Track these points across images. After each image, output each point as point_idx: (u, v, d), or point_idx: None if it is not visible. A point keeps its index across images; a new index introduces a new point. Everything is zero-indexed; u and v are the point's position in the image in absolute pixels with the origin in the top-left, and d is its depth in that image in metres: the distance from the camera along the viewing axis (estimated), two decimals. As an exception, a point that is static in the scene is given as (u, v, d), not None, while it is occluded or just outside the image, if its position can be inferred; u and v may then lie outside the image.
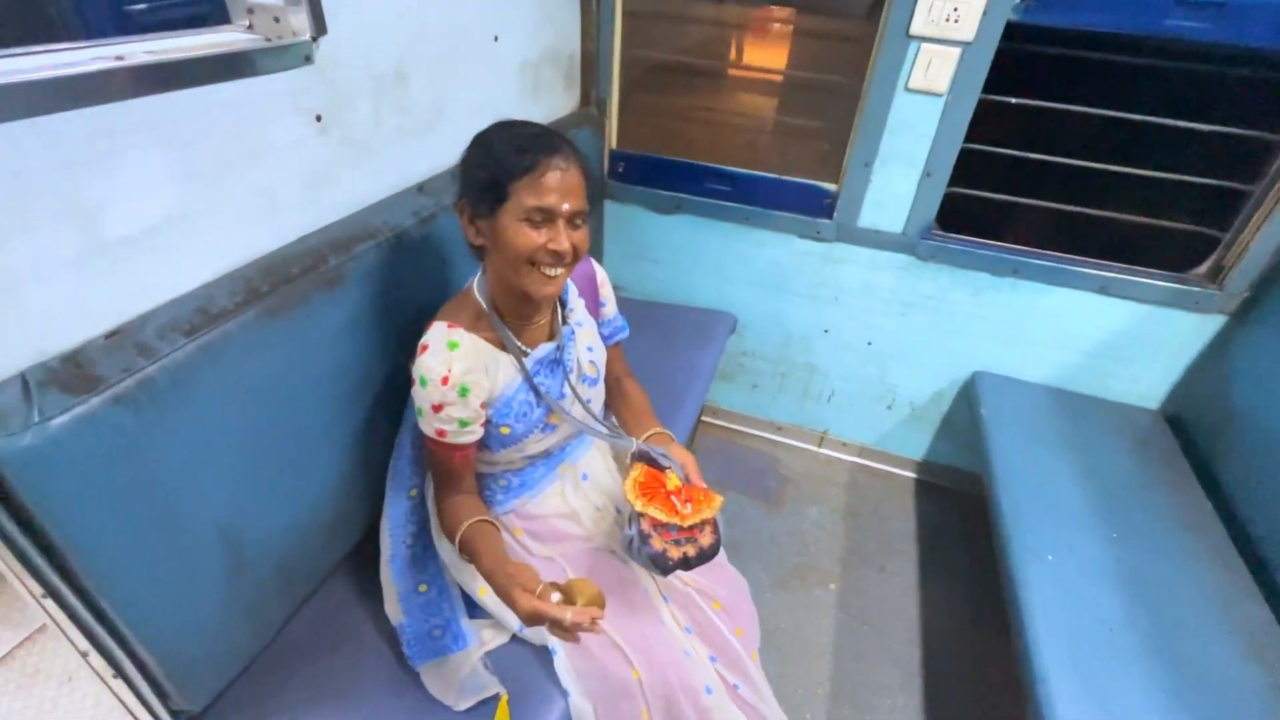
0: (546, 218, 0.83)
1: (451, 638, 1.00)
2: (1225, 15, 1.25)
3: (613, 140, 1.82)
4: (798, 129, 1.76)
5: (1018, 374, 1.74)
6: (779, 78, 1.74)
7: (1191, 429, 1.56)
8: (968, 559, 1.78)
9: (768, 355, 1.99)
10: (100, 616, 0.71)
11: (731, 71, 1.77)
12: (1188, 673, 1.06)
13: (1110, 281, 1.55)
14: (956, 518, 1.91)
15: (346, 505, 1.03)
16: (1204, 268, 1.53)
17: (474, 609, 1.04)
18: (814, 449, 2.11)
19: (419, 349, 0.88)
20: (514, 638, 1.02)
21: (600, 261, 1.95)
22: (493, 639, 1.02)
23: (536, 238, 0.83)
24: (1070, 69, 1.45)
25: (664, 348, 1.73)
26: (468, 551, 0.90)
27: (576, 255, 0.87)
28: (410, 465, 1.06)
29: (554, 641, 0.96)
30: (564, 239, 0.84)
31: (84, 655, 0.75)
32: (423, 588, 1.04)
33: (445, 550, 1.03)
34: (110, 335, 0.69)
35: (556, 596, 0.77)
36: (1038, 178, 1.54)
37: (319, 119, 0.90)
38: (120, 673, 0.76)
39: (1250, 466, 1.35)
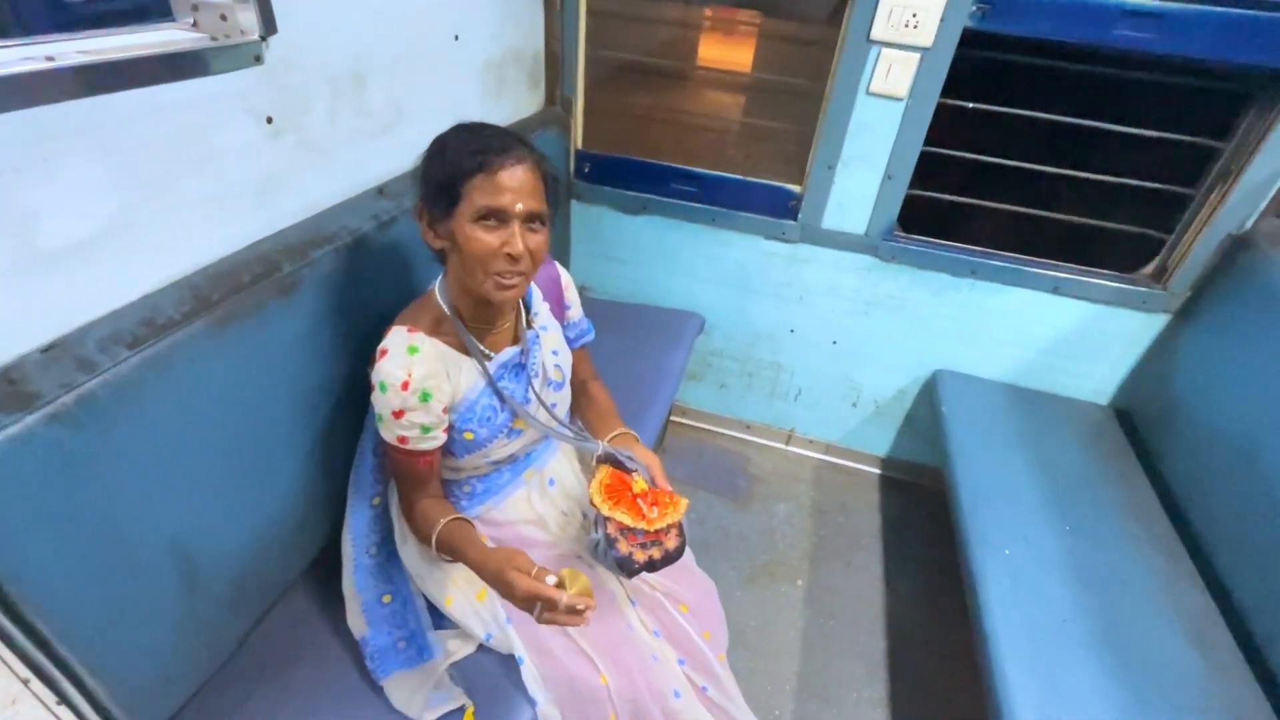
0: (500, 219, 0.82)
1: (417, 649, 0.99)
2: (1168, 27, 1.30)
3: (578, 140, 1.81)
4: (763, 131, 1.78)
5: (976, 371, 1.79)
6: (744, 80, 1.76)
7: (1139, 422, 1.62)
8: (930, 551, 1.83)
9: (735, 355, 2.00)
10: (41, 642, 0.68)
11: (697, 73, 1.77)
12: (1134, 660, 1.10)
13: (1062, 282, 1.60)
14: (919, 512, 1.95)
15: (307, 516, 1.01)
16: (1150, 268, 1.59)
17: (440, 619, 1.03)
18: (782, 447, 2.13)
19: (378, 354, 0.86)
20: (481, 647, 1.02)
21: (567, 262, 1.95)
22: (459, 649, 1.00)
23: (491, 240, 0.82)
24: (1025, 76, 1.49)
25: (632, 348, 1.72)
26: (448, 550, 0.90)
27: (534, 260, 0.86)
28: (372, 473, 1.04)
29: (521, 649, 0.96)
30: (518, 241, 0.82)
31: (25, 682, 0.72)
32: (387, 598, 1.03)
33: (410, 559, 1.01)
34: (47, 349, 0.65)
35: (552, 579, 0.78)
36: (995, 181, 1.58)
37: (270, 121, 0.87)
38: (64, 699, 0.73)
39: (1191, 458, 1.42)
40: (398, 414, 0.86)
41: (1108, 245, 1.67)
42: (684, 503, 0.98)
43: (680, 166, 1.75)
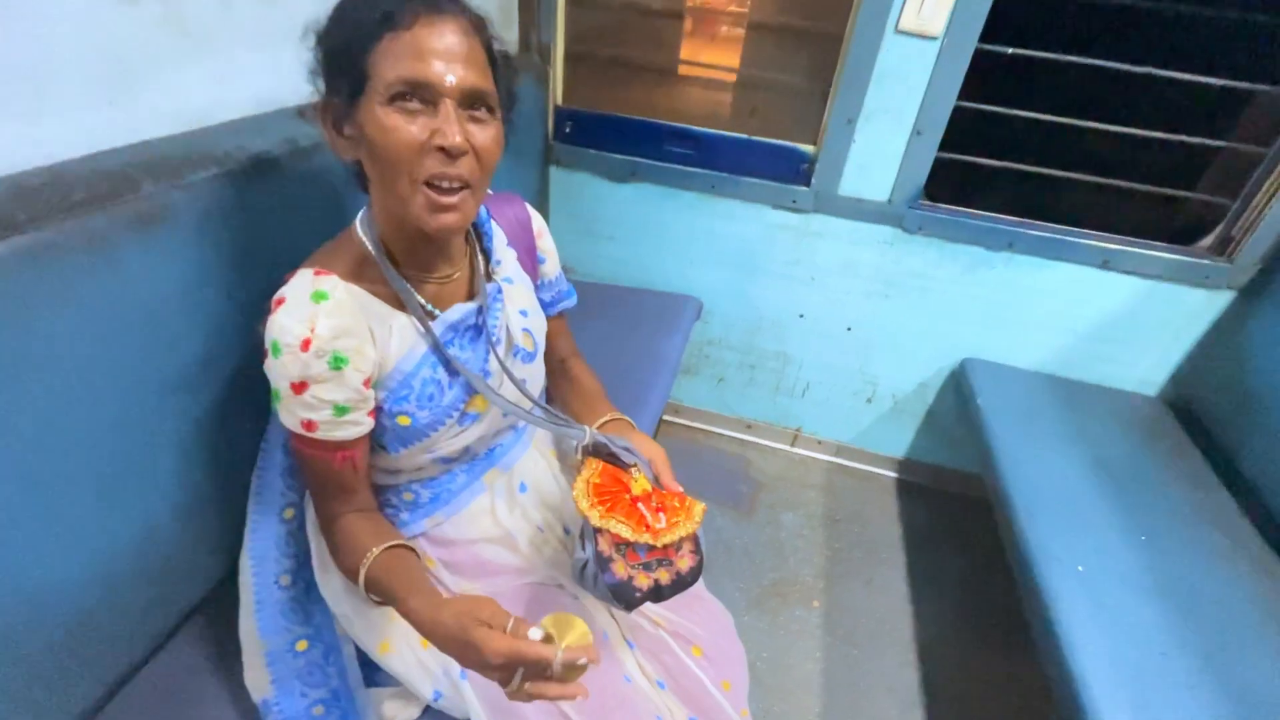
0: (425, 99, 0.57)
1: (340, 715, 0.73)
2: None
3: (558, 95, 1.57)
4: (772, 82, 1.55)
5: (1008, 360, 1.59)
6: (750, 21, 1.53)
7: (1201, 415, 1.43)
8: (960, 565, 1.61)
9: (735, 344, 1.77)
10: None
11: (696, 16, 1.54)
12: (1252, 701, 0.88)
13: (1113, 254, 1.40)
14: (944, 521, 1.73)
15: (187, 539, 0.74)
16: (1210, 240, 1.40)
17: (373, 673, 0.77)
18: (786, 448, 1.90)
19: (273, 304, 0.61)
20: (427, 709, 0.76)
21: (545, 236, 1.70)
22: (397, 714, 0.75)
23: (413, 130, 0.57)
24: (1069, 23, 1.30)
25: (621, 336, 1.48)
26: (380, 593, 0.64)
27: (481, 164, 0.61)
28: (283, 477, 0.78)
29: (480, 712, 0.69)
30: (454, 129, 0.57)
31: None
32: (302, 645, 0.76)
33: (333, 592, 0.75)
34: None
35: (536, 634, 0.54)
36: (1025, 151, 1.38)
37: (120, -23, 0.61)
38: None
39: (1274, 454, 1.22)
40: (298, 387, 0.60)
41: (1156, 215, 1.48)
42: (700, 508, 0.74)
43: (674, 125, 1.52)
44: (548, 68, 1.51)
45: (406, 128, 0.57)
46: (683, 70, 1.58)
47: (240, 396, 0.76)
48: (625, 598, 0.66)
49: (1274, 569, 1.10)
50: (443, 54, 0.56)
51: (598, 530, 0.67)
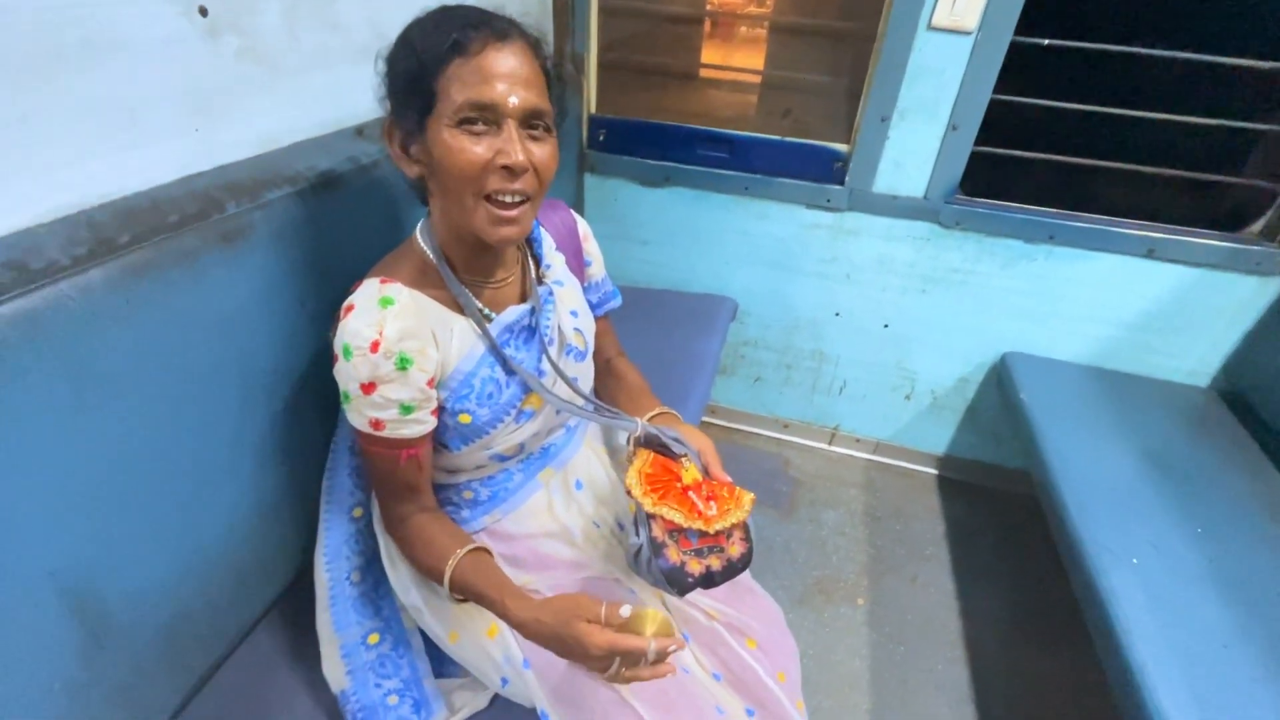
0: (489, 120, 0.61)
1: (412, 705, 0.77)
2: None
3: (592, 104, 1.60)
4: (802, 83, 1.56)
5: (1050, 353, 1.56)
6: (780, 23, 1.55)
7: (1255, 405, 1.39)
8: (1007, 562, 1.59)
9: (772, 344, 1.78)
10: None
11: (727, 21, 1.56)
12: (1322, 696, 0.87)
13: (1158, 243, 1.37)
14: (988, 517, 1.71)
15: (266, 539, 0.79)
16: (1259, 225, 1.37)
17: (441, 664, 0.81)
18: (825, 447, 1.90)
19: (342, 311, 0.65)
20: (495, 699, 0.79)
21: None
22: (467, 704, 0.78)
23: (479, 150, 0.61)
24: (1107, 10, 1.29)
25: (659, 338, 1.51)
26: (467, 593, 0.69)
27: (540, 179, 0.65)
28: (352, 478, 0.82)
29: (544, 701, 0.73)
30: (517, 148, 0.61)
31: None
32: (374, 638, 0.80)
33: (403, 586, 0.78)
34: None
35: (627, 610, 0.60)
36: (1062, 141, 1.36)
37: (204, 13, 0.66)
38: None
39: (1337, 444, 1.18)
40: (367, 387, 0.64)
41: (1194, 205, 1.45)
42: (749, 497, 0.76)
43: (707, 129, 1.54)
44: (582, 78, 1.55)
45: (473, 148, 0.60)
46: (704, 73, 1.60)
47: (309, 400, 0.80)
48: (678, 582, 0.69)
49: (1340, 560, 1.07)
50: (506, 77, 0.60)
51: (651, 516, 0.70)
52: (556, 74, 0.68)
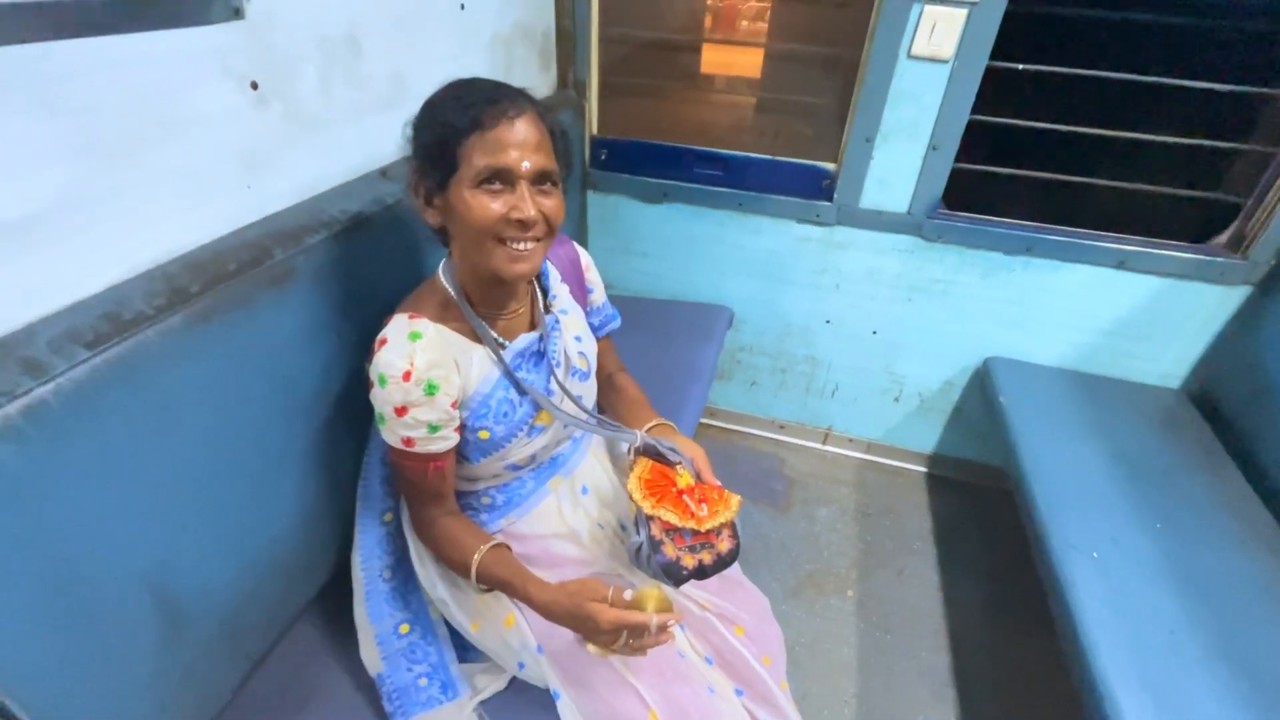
0: (505, 180, 0.71)
1: (440, 686, 0.87)
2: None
3: (594, 125, 1.70)
4: (793, 105, 1.65)
5: (1031, 358, 1.65)
6: (771, 51, 1.63)
7: (1221, 407, 1.47)
8: (989, 555, 1.68)
9: (767, 350, 1.87)
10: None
11: (720, 46, 1.65)
12: (1262, 676, 0.96)
13: (1129, 255, 1.46)
14: (972, 513, 1.81)
15: (309, 541, 0.89)
16: (1225, 237, 1.45)
17: (464, 651, 0.91)
18: (819, 447, 2.00)
19: (376, 344, 0.75)
20: (513, 681, 0.89)
21: (585, 256, 1.82)
22: (488, 686, 0.88)
23: (496, 207, 0.71)
24: (1081, 34, 1.37)
25: (659, 346, 1.60)
26: (491, 583, 0.80)
27: (549, 226, 0.75)
28: (382, 486, 0.93)
29: (557, 682, 0.83)
30: (529, 205, 0.71)
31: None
32: (404, 628, 0.90)
33: (430, 581, 0.89)
34: (-15, 350, 0.54)
35: (629, 594, 0.72)
36: (1043, 153, 1.45)
37: (255, 87, 0.76)
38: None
39: (1291, 444, 1.27)
40: (400, 411, 0.74)
41: (1169, 216, 1.53)
42: (736, 499, 0.86)
43: (702, 148, 1.63)
44: (584, 102, 1.64)
45: (490, 205, 0.70)
46: (701, 96, 1.69)
47: (344, 419, 0.90)
48: (675, 575, 0.78)
49: (1287, 552, 1.16)
50: (519, 145, 0.69)
51: (650, 518, 0.79)
52: (562, 134, 0.77)
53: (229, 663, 0.80)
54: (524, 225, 0.71)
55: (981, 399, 1.70)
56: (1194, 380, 1.57)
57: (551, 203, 0.74)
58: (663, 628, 0.70)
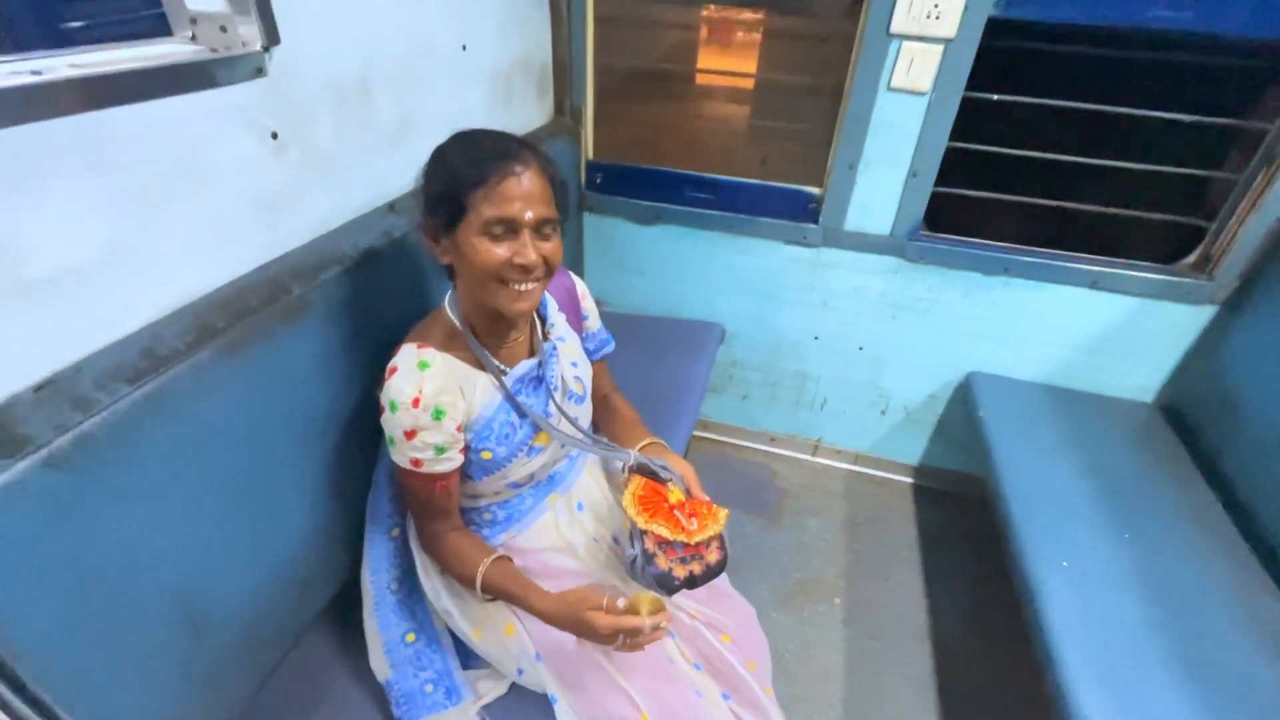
0: (509, 229, 0.77)
1: (444, 692, 0.93)
2: (1206, 5, 1.24)
3: (589, 151, 1.76)
4: (780, 133, 1.72)
5: (1011, 373, 1.72)
6: (758, 81, 1.71)
7: (1189, 421, 1.54)
8: (972, 563, 1.74)
9: (757, 364, 1.94)
10: (36, 705, 0.62)
11: (709, 77, 1.72)
12: (1217, 678, 1.02)
13: (1101, 276, 1.53)
14: (957, 522, 1.87)
15: (322, 555, 0.95)
16: (1192, 258, 1.52)
17: (467, 659, 0.97)
18: (809, 458, 2.06)
19: (387, 372, 0.81)
20: (513, 687, 0.95)
21: (582, 275, 1.89)
22: (490, 691, 0.94)
23: (500, 252, 0.77)
24: (1054, 64, 1.44)
25: (653, 361, 1.66)
26: (495, 593, 0.87)
27: (549, 268, 0.82)
28: (390, 503, 0.98)
29: (554, 687, 0.89)
30: (530, 251, 0.78)
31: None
32: (411, 637, 0.96)
33: (435, 593, 0.95)
34: (40, 388, 0.60)
35: (623, 601, 0.79)
36: (1026, 174, 1.51)
37: (275, 136, 0.82)
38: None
39: (1253, 457, 1.33)
40: (409, 434, 0.80)
41: (1145, 237, 1.60)
42: (724, 513, 0.92)
43: (693, 173, 1.70)
44: (579, 129, 1.71)
45: (495, 250, 0.76)
46: (695, 123, 1.76)
47: (355, 441, 0.96)
48: (667, 585, 0.84)
49: (1247, 560, 1.23)
50: (522, 198, 0.76)
51: (644, 532, 0.86)
52: (562, 185, 0.84)
53: (248, 668, 0.85)
54: (526, 269, 0.78)
55: (963, 412, 1.77)
56: (1166, 395, 1.63)
57: (550, 246, 0.81)
58: (656, 626, 0.78)
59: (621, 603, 0.78)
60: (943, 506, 1.92)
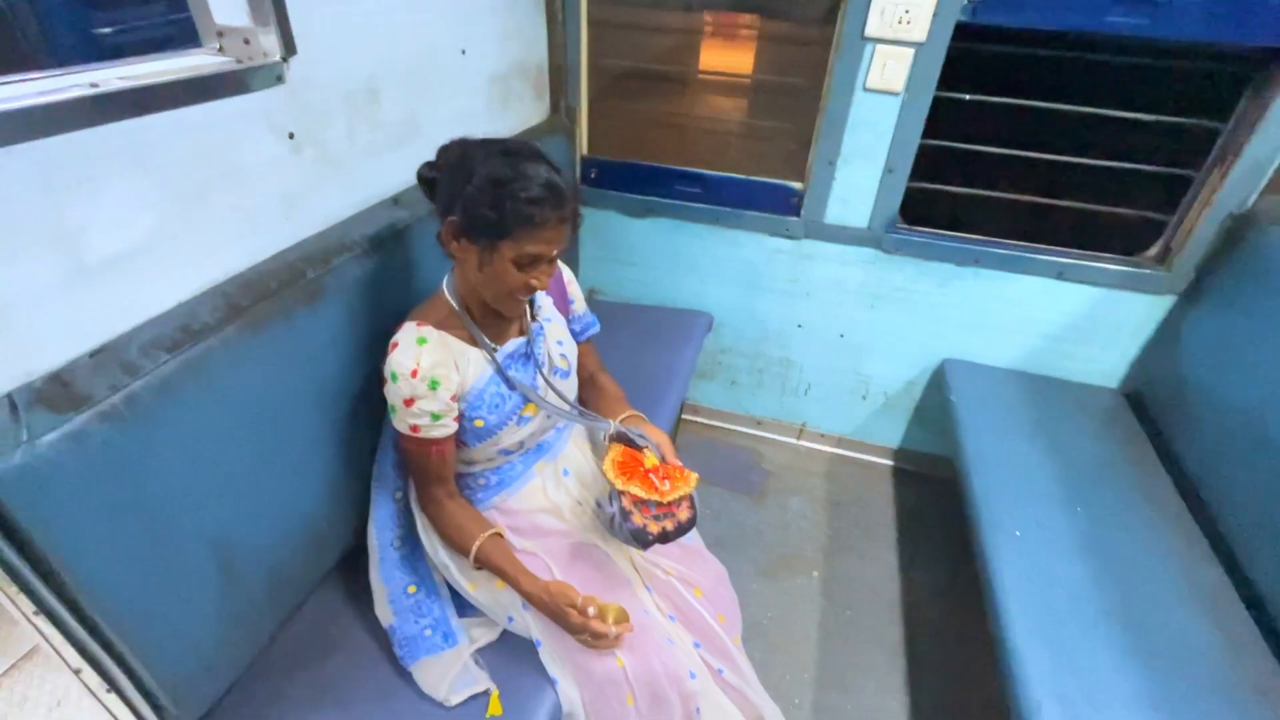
0: (535, 262, 0.89)
1: (442, 636, 1.03)
2: (1161, 11, 1.32)
3: (584, 147, 1.86)
4: (764, 130, 1.81)
5: (985, 360, 1.80)
6: (744, 82, 1.79)
7: (1150, 405, 1.63)
8: (945, 540, 1.83)
9: (745, 352, 2.03)
10: (93, 631, 0.73)
11: (697, 77, 1.81)
12: (1152, 636, 1.11)
13: (1066, 267, 1.61)
14: (933, 502, 1.96)
15: (336, 513, 1.05)
16: (1154, 251, 1.60)
17: (463, 607, 1.07)
18: (794, 441, 2.16)
19: (390, 347, 0.92)
20: (504, 634, 1.05)
21: (577, 266, 1.99)
22: (483, 636, 1.04)
23: (523, 277, 0.89)
24: (1026, 66, 1.51)
25: (643, 348, 1.76)
26: (487, 568, 0.98)
27: (546, 282, 0.94)
28: (394, 468, 1.09)
29: (539, 633, 0.99)
30: (546, 279, 0.91)
31: (77, 672, 0.76)
32: (412, 589, 1.06)
33: (434, 549, 1.05)
34: (95, 354, 0.71)
35: (593, 610, 0.92)
36: (1006, 170, 1.60)
37: (292, 137, 0.92)
38: (114, 687, 0.78)
39: (1203, 438, 1.42)
40: (408, 402, 0.90)
41: (1117, 230, 1.68)
42: (694, 476, 1.02)
43: (683, 169, 1.79)
44: (574, 127, 1.80)
45: (519, 276, 0.89)
46: (685, 120, 1.85)
47: (364, 411, 1.06)
48: (642, 539, 0.95)
49: (1191, 532, 1.32)
50: (555, 240, 0.88)
51: (621, 492, 0.96)
52: (577, 215, 0.93)
53: (270, 611, 0.96)
54: (535, 290, 0.91)
55: (939, 398, 1.86)
56: (1131, 381, 1.72)
57: (554, 266, 0.94)
58: (618, 636, 0.93)
59: (592, 610, 0.92)
60: (920, 488, 2.01)
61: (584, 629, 0.91)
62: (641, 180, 1.83)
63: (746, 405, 2.15)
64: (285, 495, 0.95)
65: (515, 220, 0.85)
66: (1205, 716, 0.99)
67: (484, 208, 0.85)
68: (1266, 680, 1.06)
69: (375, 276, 1.05)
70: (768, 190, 1.74)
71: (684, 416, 2.22)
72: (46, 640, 0.73)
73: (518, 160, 0.87)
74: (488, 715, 0.94)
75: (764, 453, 2.13)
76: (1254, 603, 1.18)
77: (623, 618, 0.93)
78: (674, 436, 2.11)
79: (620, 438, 1.05)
